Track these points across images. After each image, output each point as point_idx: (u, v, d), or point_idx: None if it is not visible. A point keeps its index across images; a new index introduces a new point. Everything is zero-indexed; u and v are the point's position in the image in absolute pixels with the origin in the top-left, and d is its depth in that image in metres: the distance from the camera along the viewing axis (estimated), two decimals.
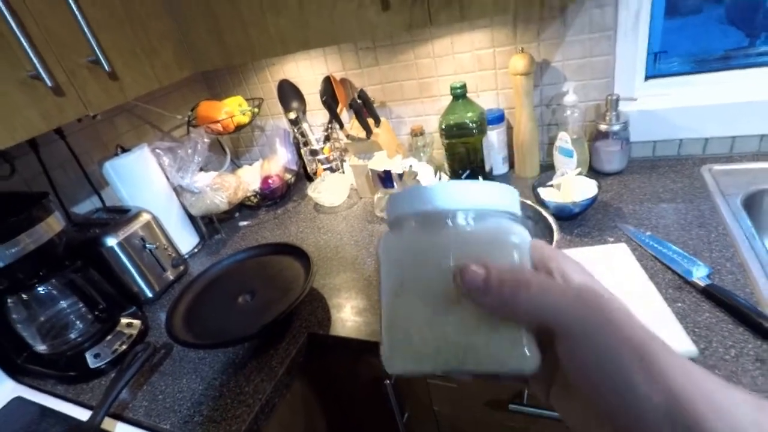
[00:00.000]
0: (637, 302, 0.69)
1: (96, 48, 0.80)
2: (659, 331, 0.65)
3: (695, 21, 1.05)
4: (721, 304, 0.67)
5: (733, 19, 1.04)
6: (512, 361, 0.23)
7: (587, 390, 0.22)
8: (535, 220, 0.73)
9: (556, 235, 0.64)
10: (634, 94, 1.03)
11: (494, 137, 1.12)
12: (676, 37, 1.03)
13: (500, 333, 0.23)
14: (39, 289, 0.84)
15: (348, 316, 0.84)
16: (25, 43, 0.69)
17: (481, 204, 0.26)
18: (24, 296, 0.83)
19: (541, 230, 0.71)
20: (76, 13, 0.77)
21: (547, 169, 1.12)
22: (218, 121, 1.23)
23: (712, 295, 0.68)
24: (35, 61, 0.70)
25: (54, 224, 0.81)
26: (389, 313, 0.26)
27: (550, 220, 0.67)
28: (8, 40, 0.69)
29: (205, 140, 1.14)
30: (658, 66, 1.05)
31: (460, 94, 1.01)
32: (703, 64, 1.05)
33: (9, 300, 0.82)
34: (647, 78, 1.05)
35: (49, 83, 0.72)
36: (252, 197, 1.33)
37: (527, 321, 0.23)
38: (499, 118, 1.12)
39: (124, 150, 1.08)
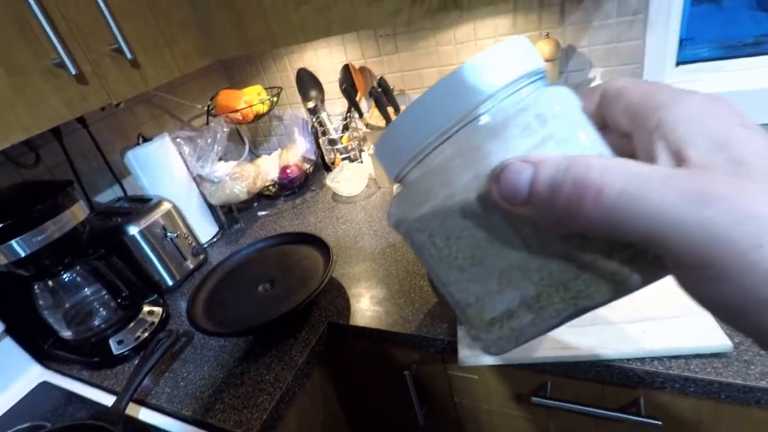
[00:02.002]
0: (669, 293, 0.67)
1: (119, 36, 0.80)
2: (691, 324, 0.63)
3: (722, 7, 1.01)
4: None
5: (764, 5, 0.99)
6: (604, 293, 0.18)
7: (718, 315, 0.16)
8: None
9: None
10: (665, 80, 1.00)
11: None
12: (702, 23, 1.00)
13: (575, 260, 0.17)
14: (64, 276, 0.86)
15: (367, 306, 0.84)
16: (50, 31, 0.69)
17: (488, 87, 0.18)
18: (50, 283, 0.85)
19: None
20: (99, 0, 0.77)
21: None
22: (237, 111, 1.23)
23: None
24: (59, 49, 0.71)
25: (78, 212, 0.82)
26: (459, 295, 0.21)
27: None
28: (33, 28, 0.69)
29: (225, 129, 1.14)
30: (684, 52, 1.01)
31: None
32: (733, 49, 1.01)
33: (36, 286, 0.84)
34: (678, 64, 1.01)
35: (72, 71, 0.73)
36: (270, 187, 1.33)
37: (614, 237, 0.15)
38: None
39: (146, 139, 1.08)
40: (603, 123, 0.19)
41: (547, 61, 0.99)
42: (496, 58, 0.19)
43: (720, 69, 0.99)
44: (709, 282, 0.14)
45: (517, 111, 0.18)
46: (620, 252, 0.17)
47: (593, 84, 1.00)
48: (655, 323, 0.63)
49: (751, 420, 0.60)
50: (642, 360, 0.61)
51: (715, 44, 1.02)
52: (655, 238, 0.14)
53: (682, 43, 1.00)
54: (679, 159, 0.15)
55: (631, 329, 0.63)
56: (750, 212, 0.13)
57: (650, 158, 0.16)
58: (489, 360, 0.67)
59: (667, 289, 0.68)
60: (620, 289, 0.18)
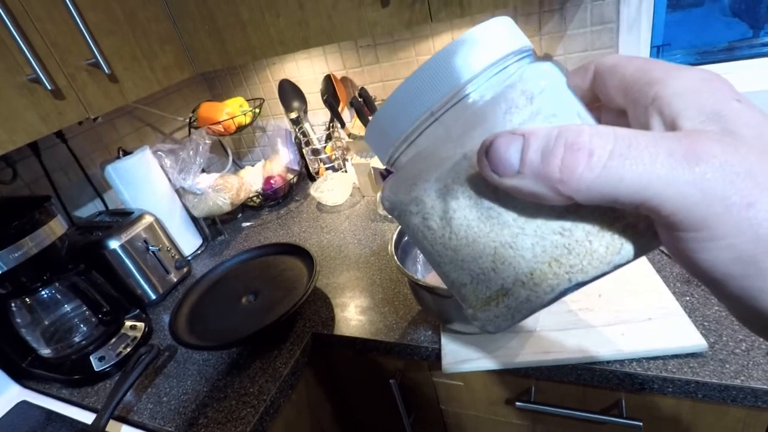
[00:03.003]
0: (644, 296, 0.68)
1: (95, 50, 0.79)
2: (667, 325, 0.64)
3: (697, 14, 1.04)
4: None
5: (736, 11, 1.03)
6: (612, 255, 0.17)
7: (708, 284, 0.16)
8: None
9: None
10: None
11: None
12: (678, 29, 1.03)
13: (583, 223, 0.17)
14: (42, 293, 0.84)
15: (352, 315, 0.84)
16: (23, 47, 0.69)
17: (474, 66, 0.19)
18: (27, 300, 0.83)
19: None
20: (75, 16, 0.76)
21: None
22: (219, 122, 1.23)
23: None
24: (34, 64, 0.70)
25: (56, 228, 0.81)
26: (454, 275, 0.21)
27: None
28: (7, 44, 0.69)
29: (207, 141, 1.14)
30: (660, 58, 1.04)
31: None
32: (707, 55, 1.04)
33: (13, 304, 0.82)
34: None
35: (48, 86, 0.72)
36: (254, 198, 1.33)
37: (606, 203, 0.15)
38: None
39: (126, 153, 1.08)
40: (596, 100, 0.19)
41: None
42: (482, 36, 0.19)
43: None
44: (701, 244, 0.14)
45: (504, 88, 0.18)
46: (612, 223, 0.17)
47: None
48: (633, 325, 0.64)
49: (729, 417, 0.61)
50: (621, 362, 0.62)
51: (690, 50, 1.05)
52: (647, 198, 0.14)
53: (660, 49, 1.03)
54: (673, 129, 0.15)
55: (610, 332, 0.64)
56: (741, 169, 0.13)
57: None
58: (472, 366, 0.68)
59: (644, 290, 0.69)
60: (613, 261, 0.18)
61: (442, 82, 0.19)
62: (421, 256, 0.80)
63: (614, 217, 0.17)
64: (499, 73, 0.19)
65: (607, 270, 0.18)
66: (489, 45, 0.19)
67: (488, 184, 0.18)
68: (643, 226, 0.17)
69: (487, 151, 0.16)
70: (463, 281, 0.20)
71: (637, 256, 0.18)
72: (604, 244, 0.17)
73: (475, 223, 0.19)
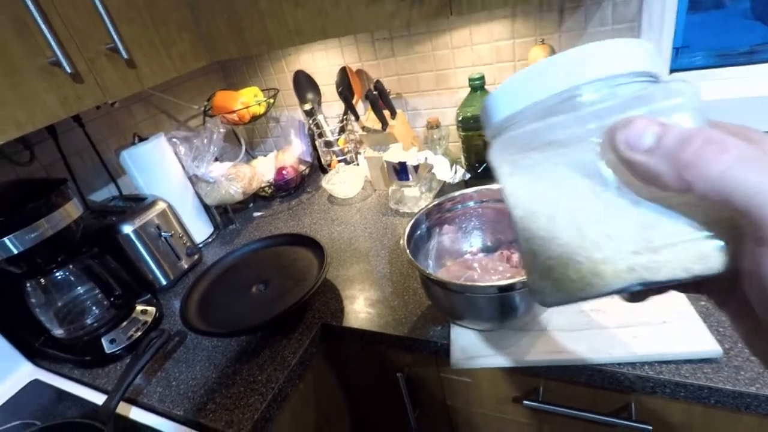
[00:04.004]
0: (659, 299, 0.67)
1: (115, 36, 0.80)
2: (681, 330, 0.63)
3: (718, 16, 1.02)
4: None
5: (759, 14, 1.01)
6: (694, 262, 0.17)
7: None
8: None
9: None
10: None
11: None
12: (698, 32, 1.01)
13: (677, 222, 0.18)
14: (57, 274, 0.85)
15: (361, 308, 0.84)
16: (45, 30, 0.69)
17: (613, 69, 0.19)
18: (42, 281, 0.84)
19: None
20: (96, 1, 0.77)
21: None
22: (234, 112, 1.23)
23: None
24: (55, 47, 0.71)
25: (72, 211, 0.82)
26: (542, 248, 0.20)
27: None
28: (29, 26, 0.70)
29: (221, 130, 1.14)
30: (679, 60, 1.02)
31: (478, 86, 0.99)
32: (727, 58, 1.02)
33: (28, 284, 0.84)
34: (671, 71, 1.02)
35: (68, 70, 0.73)
36: (266, 188, 1.33)
37: (717, 200, 0.16)
38: None
39: (141, 139, 1.08)
40: None
41: None
42: (646, 45, 0.20)
43: (714, 77, 1.00)
44: None
45: (649, 91, 0.19)
46: (707, 229, 0.17)
47: None
48: (646, 328, 0.63)
49: (741, 425, 0.60)
50: (633, 365, 0.61)
51: (710, 52, 1.03)
52: (760, 204, 0.15)
53: (678, 50, 1.01)
54: None
55: (622, 334, 0.64)
56: None
57: None
58: (481, 363, 0.68)
59: (652, 297, 0.68)
60: (693, 270, 0.18)
61: (605, 64, 0.19)
62: (434, 251, 0.80)
63: (711, 222, 0.17)
64: (635, 84, 0.20)
65: (682, 277, 0.18)
66: (650, 55, 0.20)
67: (605, 159, 0.18)
68: (733, 244, 0.17)
69: (626, 124, 0.17)
70: (548, 254, 0.20)
71: (717, 271, 0.18)
72: (691, 249, 0.18)
73: (573, 198, 0.19)
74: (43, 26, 0.69)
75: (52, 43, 0.70)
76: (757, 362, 0.57)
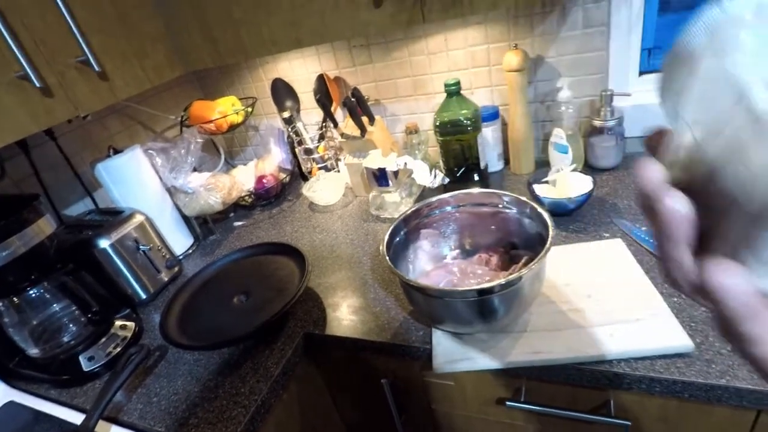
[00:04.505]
0: (633, 297, 0.69)
1: (86, 48, 0.79)
2: (655, 326, 0.65)
3: (689, 16, 1.05)
4: None
5: None
6: None
7: None
8: (530, 216, 0.73)
9: (551, 232, 0.63)
10: (629, 89, 1.03)
11: (489, 134, 1.12)
12: (669, 33, 1.03)
13: None
14: (30, 292, 0.83)
15: (344, 315, 0.84)
16: (11, 43, 0.68)
17: None
18: (15, 300, 0.82)
19: (537, 227, 0.71)
20: (65, 13, 0.76)
21: (542, 165, 1.12)
22: (211, 121, 1.22)
23: None
24: (23, 61, 0.69)
25: (45, 226, 0.80)
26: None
27: (545, 216, 0.67)
28: None
29: (198, 140, 1.13)
30: (651, 61, 1.05)
31: (454, 92, 1.01)
32: None
33: (0, 304, 0.82)
34: (641, 73, 1.05)
35: (37, 84, 0.72)
36: (246, 197, 1.32)
37: None
38: (493, 115, 1.11)
39: (117, 151, 1.07)
40: None
41: (516, 71, 1.01)
42: None
43: None
44: None
45: None
46: None
47: (561, 93, 1.03)
48: (622, 326, 0.65)
49: (714, 417, 0.62)
50: (610, 362, 0.62)
51: None
52: None
53: (649, 52, 1.04)
54: None
55: (599, 332, 0.65)
56: None
57: None
58: (463, 366, 0.68)
59: (633, 291, 0.70)
60: None
61: None
62: (413, 256, 0.80)
63: None
64: None
65: None
66: None
67: None
68: None
69: None
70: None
71: None
72: None
73: None
74: (9, 40, 0.68)
75: (20, 56, 0.69)
76: (727, 355, 0.59)
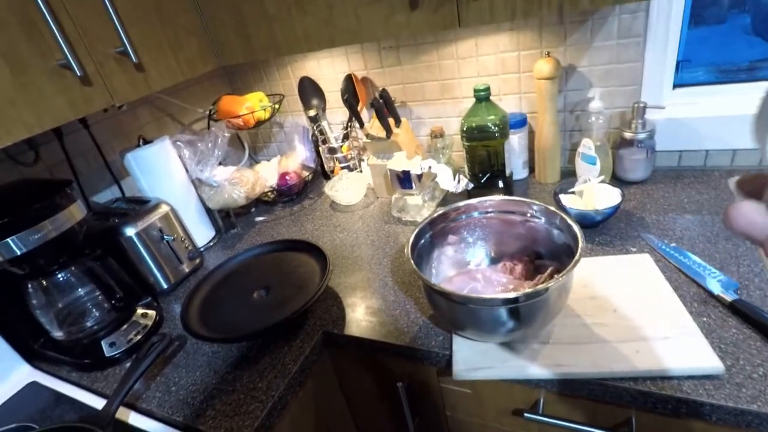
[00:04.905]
0: (661, 314, 0.68)
1: (125, 39, 0.80)
2: (683, 346, 0.63)
3: (718, 31, 1.03)
4: (748, 320, 0.65)
5: (758, 30, 1.02)
6: None
7: None
8: (560, 227, 0.72)
9: (581, 244, 0.62)
10: (662, 102, 1.01)
11: (516, 141, 1.11)
12: (698, 46, 1.02)
13: None
14: (58, 275, 0.85)
15: (363, 316, 0.84)
16: (56, 32, 0.70)
17: None
18: (44, 282, 0.84)
19: (565, 238, 0.70)
20: (106, 3, 0.77)
21: (568, 175, 1.10)
22: (239, 116, 1.24)
23: (739, 310, 0.66)
24: (65, 49, 0.71)
25: (76, 212, 0.82)
26: None
27: (575, 228, 0.66)
28: (40, 29, 0.70)
29: (226, 134, 1.14)
30: (680, 75, 1.03)
31: (483, 97, 1.00)
32: (728, 74, 1.03)
33: (29, 285, 0.83)
34: (675, 86, 1.03)
35: (78, 72, 0.73)
36: (269, 193, 1.33)
37: None
38: (521, 123, 1.10)
39: (146, 141, 1.08)
40: None
41: (547, 79, 1.00)
42: None
43: (716, 93, 1.01)
44: None
45: None
46: None
47: (592, 103, 1.02)
48: (648, 343, 0.63)
49: None
50: (635, 379, 0.61)
51: (711, 68, 1.04)
52: None
53: (680, 64, 1.02)
54: None
55: (625, 348, 0.64)
56: None
57: None
58: (483, 374, 0.68)
59: (661, 308, 0.69)
60: None
61: None
62: (437, 260, 0.80)
63: None
64: None
65: None
66: None
67: None
68: None
69: None
70: None
71: None
72: None
73: None
74: (54, 28, 0.69)
75: (63, 45, 0.70)
76: (759, 379, 0.57)
